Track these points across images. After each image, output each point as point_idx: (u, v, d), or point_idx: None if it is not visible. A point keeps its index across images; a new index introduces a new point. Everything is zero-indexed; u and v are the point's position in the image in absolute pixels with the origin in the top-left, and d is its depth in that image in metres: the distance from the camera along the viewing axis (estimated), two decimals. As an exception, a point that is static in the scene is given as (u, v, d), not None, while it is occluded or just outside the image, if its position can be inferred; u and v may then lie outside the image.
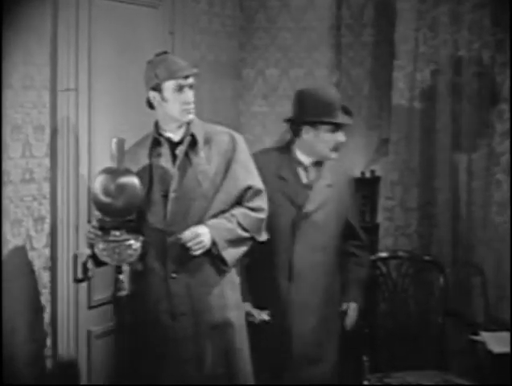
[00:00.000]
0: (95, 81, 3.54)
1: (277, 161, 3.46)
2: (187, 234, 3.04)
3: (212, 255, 3.10)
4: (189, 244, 3.03)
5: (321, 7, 4.50)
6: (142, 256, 3.09)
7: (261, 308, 3.44)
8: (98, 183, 2.88)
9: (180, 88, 3.08)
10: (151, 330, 3.14)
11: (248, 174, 3.19)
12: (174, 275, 3.10)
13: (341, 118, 3.39)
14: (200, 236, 3.04)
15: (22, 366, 3.19)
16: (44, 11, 3.25)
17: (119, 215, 2.90)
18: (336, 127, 3.39)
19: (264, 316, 3.44)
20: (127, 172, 2.93)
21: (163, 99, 3.09)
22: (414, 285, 4.14)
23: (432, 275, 4.12)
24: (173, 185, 3.09)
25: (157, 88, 3.09)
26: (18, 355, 3.15)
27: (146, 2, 3.86)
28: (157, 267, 3.12)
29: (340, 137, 3.39)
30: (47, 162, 3.30)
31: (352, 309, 3.52)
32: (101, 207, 2.90)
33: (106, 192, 2.86)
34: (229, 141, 3.18)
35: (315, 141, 3.40)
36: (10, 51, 3.04)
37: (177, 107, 3.09)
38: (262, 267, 3.42)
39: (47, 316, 3.34)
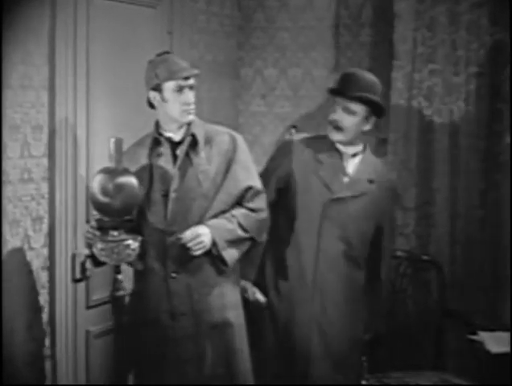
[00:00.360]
0: (93, 81, 3.54)
1: (317, 146, 3.42)
2: (187, 234, 3.04)
3: (212, 255, 3.10)
4: (190, 245, 3.03)
5: (319, 7, 4.50)
6: (142, 256, 3.09)
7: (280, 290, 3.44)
8: (96, 183, 2.88)
9: (180, 89, 3.08)
10: (151, 330, 3.14)
11: (248, 175, 3.19)
12: (174, 275, 3.10)
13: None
14: (200, 236, 3.04)
15: (21, 366, 3.19)
16: (43, 11, 3.25)
17: (117, 214, 2.90)
18: (335, 105, 3.36)
19: (259, 296, 3.44)
20: (125, 172, 2.92)
21: (163, 99, 3.09)
22: (413, 284, 4.14)
23: (430, 275, 4.12)
24: (174, 185, 3.09)
25: (157, 88, 3.09)
26: (16, 355, 3.15)
27: (145, 2, 3.86)
28: (157, 267, 3.12)
29: (336, 115, 3.34)
30: (45, 161, 3.30)
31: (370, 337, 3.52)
32: (100, 206, 2.89)
33: (104, 192, 2.85)
34: (230, 142, 3.18)
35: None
36: (9, 51, 3.04)
37: (177, 107, 3.09)
38: (288, 247, 3.39)
39: (45, 316, 3.34)
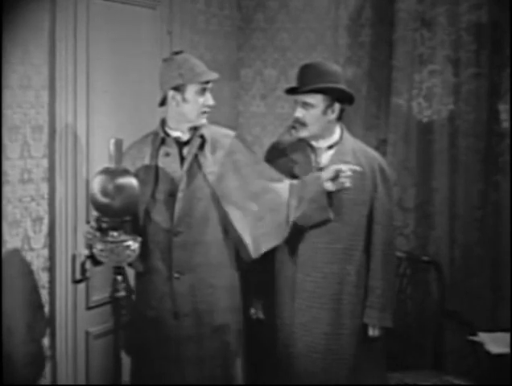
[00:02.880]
0: (93, 81, 3.54)
1: (293, 146, 3.42)
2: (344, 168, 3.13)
3: (219, 254, 3.12)
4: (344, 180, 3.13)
5: (319, 8, 4.49)
6: (144, 256, 3.09)
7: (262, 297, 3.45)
8: (96, 184, 2.88)
9: (202, 91, 3.10)
10: (153, 329, 3.14)
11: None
12: (177, 275, 3.10)
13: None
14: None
15: (21, 366, 3.19)
16: (42, 12, 3.25)
17: (117, 215, 2.90)
18: (296, 104, 3.34)
19: (260, 314, 3.47)
20: (125, 172, 2.92)
21: (184, 100, 3.09)
22: (412, 285, 4.14)
23: (430, 275, 4.12)
24: (181, 185, 3.09)
25: (179, 89, 3.09)
26: (16, 355, 3.15)
27: (144, 3, 3.86)
28: (161, 266, 3.12)
29: (297, 113, 3.32)
30: (45, 162, 3.30)
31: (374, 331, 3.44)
32: (99, 207, 2.89)
33: (104, 193, 2.85)
34: (235, 144, 3.21)
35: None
36: (9, 50, 3.04)
37: (197, 109, 3.10)
38: (271, 250, 3.34)
39: (45, 317, 3.33)
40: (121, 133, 3.07)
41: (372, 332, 3.39)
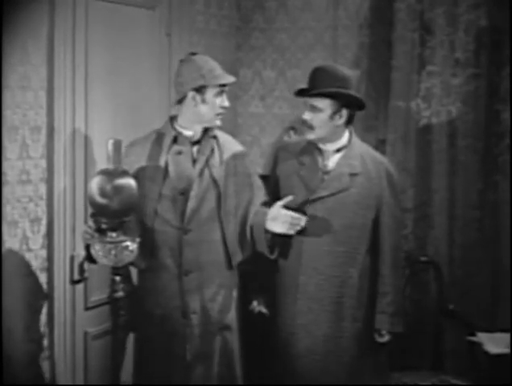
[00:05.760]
0: (92, 82, 3.54)
1: (301, 148, 3.40)
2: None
3: (225, 253, 3.15)
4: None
5: (318, 8, 4.49)
6: (151, 253, 3.09)
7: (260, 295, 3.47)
8: (95, 184, 2.88)
9: (220, 93, 3.13)
10: (161, 328, 3.14)
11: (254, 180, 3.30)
12: (186, 272, 3.11)
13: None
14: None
15: (20, 366, 3.19)
16: (41, 13, 3.26)
17: (115, 216, 2.90)
18: (305, 106, 3.31)
19: (263, 309, 3.47)
20: (124, 173, 2.92)
21: (204, 100, 3.11)
22: (411, 285, 4.14)
23: (429, 275, 4.12)
24: (195, 184, 3.11)
25: (200, 90, 3.10)
26: (15, 356, 3.16)
27: (143, 4, 3.86)
28: (170, 264, 3.13)
29: (306, 115, 3.28)
30: (43, 163, 3.30)
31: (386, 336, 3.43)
32: (98, 208, 2.89)
33: (103, 193, 2.85)
34: (239, 153, 3.25)
35: None
36: (8, 51, 3.05)
37: (214, 110, 3.13)
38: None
39: (43, 317, 3.34)
40: (120, 134, 3.07)
41: (381, 337, 3.38)
